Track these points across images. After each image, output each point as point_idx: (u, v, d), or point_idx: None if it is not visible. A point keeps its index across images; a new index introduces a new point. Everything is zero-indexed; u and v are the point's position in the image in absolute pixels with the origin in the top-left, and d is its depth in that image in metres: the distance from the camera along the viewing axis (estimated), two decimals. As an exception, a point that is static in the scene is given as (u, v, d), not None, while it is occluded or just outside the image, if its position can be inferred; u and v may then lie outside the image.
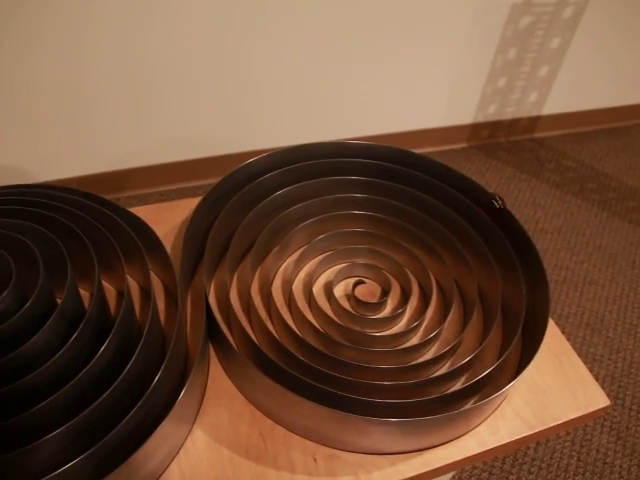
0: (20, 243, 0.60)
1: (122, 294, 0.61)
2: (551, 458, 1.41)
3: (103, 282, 0.75)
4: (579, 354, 0.73)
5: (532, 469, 1.38)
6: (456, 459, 0.63)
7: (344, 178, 0.85)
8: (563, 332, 0.73)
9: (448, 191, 0.83)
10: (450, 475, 1.05)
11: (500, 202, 0.76)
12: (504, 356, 0.66)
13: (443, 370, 0.72)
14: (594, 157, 2.50)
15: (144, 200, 1.95)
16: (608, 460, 1.42)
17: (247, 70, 1.82)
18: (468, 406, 0.62)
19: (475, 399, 0.68)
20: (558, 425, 0.68)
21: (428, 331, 0.76)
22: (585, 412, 0.69)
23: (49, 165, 1.83)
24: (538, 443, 1.44)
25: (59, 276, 0.61)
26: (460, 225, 0.80)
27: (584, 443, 1.45)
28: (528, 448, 1.42)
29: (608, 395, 1.51)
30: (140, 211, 0.85)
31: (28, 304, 0.54)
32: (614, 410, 1.53)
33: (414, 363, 0.67)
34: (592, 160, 2.48)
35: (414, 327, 0.72)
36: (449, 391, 0.62)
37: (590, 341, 1.69)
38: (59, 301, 0.57)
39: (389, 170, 0.86)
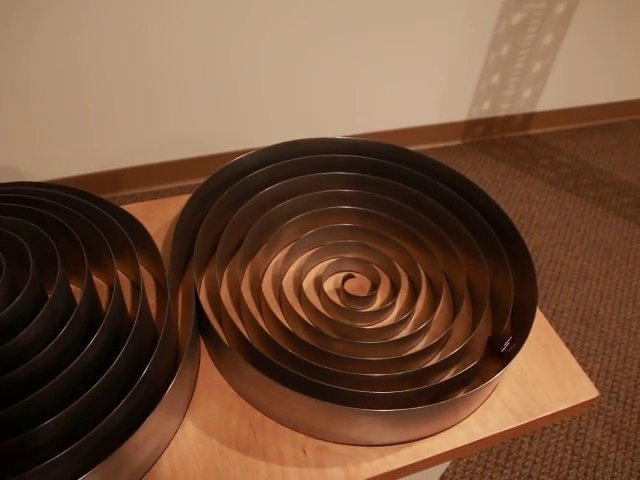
0: (12, 239, 0.61)
1: (113, 289, 0.62)
2: (545, 452, 1.42)
3: (95, 278, 0.76)
4: (573, 349, 0.74)
5: (526, 463, 1.39)
6: (445, 450, 0.64)
7: (333, 174, 0.85)
8: (557, 327, 0.74)
9: (436, 185, 0.84)
10: (443, 469, 1.05)
11: (511, 347, 0.68)
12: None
13: (433, 362, 0.72)
14: (589, 153, 2.51)
15: (140, 199, 1.96)
16: (602, 454, 1.43)
17: (241, 70, 1.82)
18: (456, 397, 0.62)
19: (464, 391, 0.69)
20: (547, 416, 0.69)
21: (418, 324, 0.77)
22: (574, 403, 0.70)
23: (46, 165, 1.83)
24: (532, 437, 1.44)
25: (50, 272, 0.62)
26: (448, 218, 0.81)
27: (578, 437, 1.46)
28: (522, 442, 1.43)
29: (602, 389, 1.54)
30: (132, 208, 0.86)
31: (18, 299, 0.55)
32: (608, 404, 1.54)
33: (404, 355, 0.67)
34: (587, 156, 2.49)
35: (404, 320, 0.73)
36: (437, 382, 0.63)
37: (585, 336, 1.69)
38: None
39: (377, 165, 0.87)
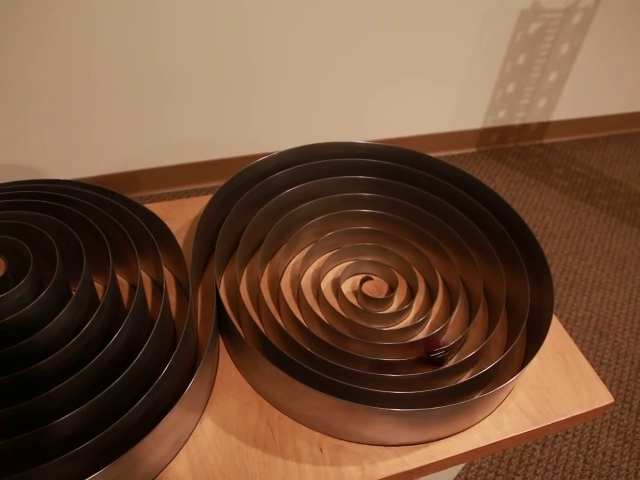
0: (39, 235, 0.62)
1: (135, 287, 0.63)
2: (557, 460, 1.41)
3: (117, 276, 0.77)
4: (586, 358, 0.74)
5: (538, 470, 1.39)
6: (461, 452, 0.65)
7: (352, 177, 0.86)
8: (570, 336, 0.74)
9: (453, 190, 0.85)
10: (455, 473, 1.06)
11: (440, 354, 0.69)
12: (509, 350, 0.67)
13: (449, 365, 0.73)
14: (603, 163, 2.50)
15: (157, 200, 1.97)
16: (615, 463, 1.42)
17: (261, 74, 1.84)
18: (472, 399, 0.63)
19: (480, 394, 0.69)
20: (562, 421, 0.69)
21: (434, 327, 0.77)
22: (589, 409, 0.70)
23: (64, 165, 1.86)
24: (544, 445, 1.44)
25: (75, 268, 0.63)
26: (466, 223, 0.81)
27: (590, 445, 1.45)
28: (534, 449, 1.43)
29: (615, 399, 1.53)
30: (152, 208, 0.87)
31: (44, 293, 0.56)
32: (621, 414, 1.53)
33: (419, 357, 0.68)
34: (601, 166, 2.48)
35: (420, 322, 0.74)
36: (454, 384, 0.64)
37: (598, 345, 1.69)
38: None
39: (396, 169, 0.88)
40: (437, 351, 0.68)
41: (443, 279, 0.83)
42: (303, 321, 0.74)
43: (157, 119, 1.85)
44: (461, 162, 2.38)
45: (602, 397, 0.71)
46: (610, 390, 1.56)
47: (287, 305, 0.71)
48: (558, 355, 0.75)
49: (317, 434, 0.64)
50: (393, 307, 0.80)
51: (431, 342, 0.70)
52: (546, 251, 2.01)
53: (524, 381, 0.72)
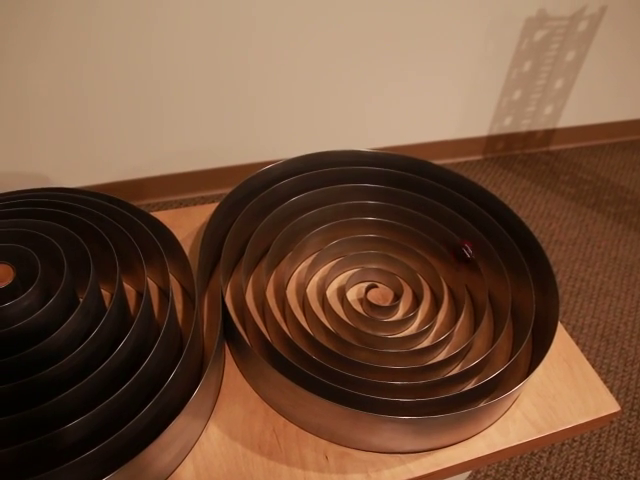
0: (46, 243, 0.62)
1: (142, 295, 0.63)
2: (564, 468, 1.40)
3: (123, 283, 0.77)
4: (593, 365, 0.74)
5: (545, 478, 1.38)
6: (466, 459, 0.64)
7: (358, 185, 0.87)
8: (577, 343, 0.74)
9: (459, 198, 0.85)
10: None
11: (471, 252, 0.77)
12: (514, 358, 0.67)
13: (454, 372, 0.73)
14: (610, 170, 2.50)
15: (164, 208, 1.98)
16: (622, 471, 1.42)
17: (266, 82, 1.85)
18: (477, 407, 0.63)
19: (485, 401, 0.69)
20: (567, 429, 0.69)
21: (439, 335, 0.77)
22: (595, 417, 0.70)
23: (70, 173, 1.87)
24: (551, 452, 1.43)
25: (82, 276, 0.64)
26: (471, 231, 0.81)
27: (598, 454, 1.44)
28: (541, 457, 1.42)
29: (623, 406, 1.52)
30: (159, 216, 0.87)
31: (52, 301, 0.57)
32: (629, 421, 1.52)
33: (425, 365, 0.68)
34: (608, 173, 2.47)
35: (425, 330, 0.74)
36: (459, 392, 0.64)
37: (605, 352, 1.68)
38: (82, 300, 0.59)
39: (401, 178, 0.88)
40: (469, 251, 0.75)
41: (448, 287, 0.83)
42: (308, 329, 0.75)
43: (163, 126, 1.86)
44: (467, 169, 2.38)
45: (608, 405, 0.71)
46: (617, 398, 1.55)
47: (292, 313, 0.71)
48: (564, 363, 0.75)
49: (322, 441, 0.64)
50: (398, 315, 0.80)
51: (461, 242, 0.78)
52: (552, 258, 2.01)
53: (529, 389, 0.72)
